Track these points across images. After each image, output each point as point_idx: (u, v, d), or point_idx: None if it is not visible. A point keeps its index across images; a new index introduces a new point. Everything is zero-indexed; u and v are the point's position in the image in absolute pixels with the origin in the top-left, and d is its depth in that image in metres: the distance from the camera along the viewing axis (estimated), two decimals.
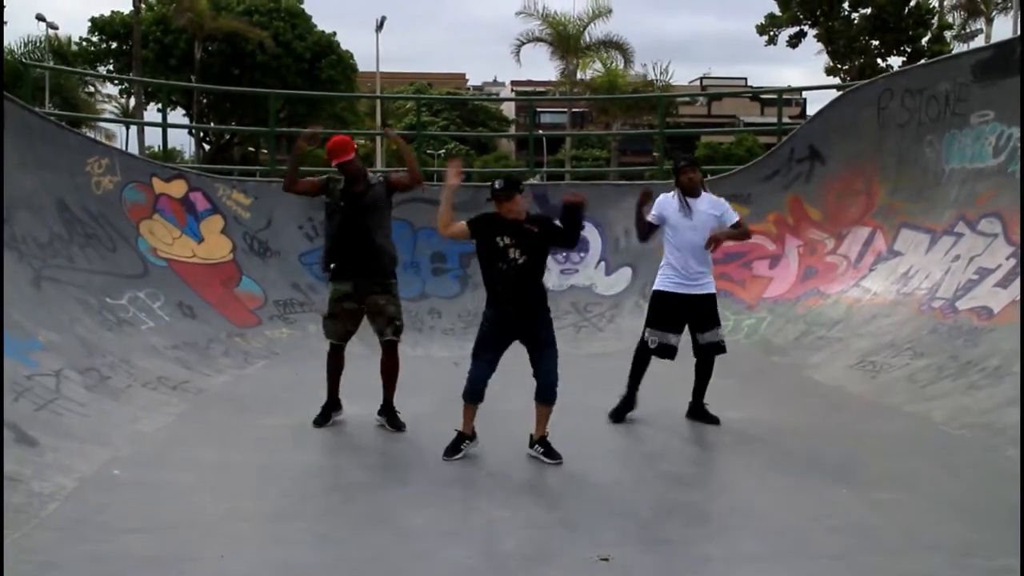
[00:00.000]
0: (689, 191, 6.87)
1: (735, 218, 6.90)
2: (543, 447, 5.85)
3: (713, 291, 6.90)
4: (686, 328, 6.91)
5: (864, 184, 10.81)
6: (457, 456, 5.83)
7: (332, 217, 6.77)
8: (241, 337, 9.68)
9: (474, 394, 5.86)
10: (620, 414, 6.95)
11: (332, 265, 6.76)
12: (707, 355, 6.90)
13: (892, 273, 9.67)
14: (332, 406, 6.88)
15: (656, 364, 6.97)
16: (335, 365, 6.87)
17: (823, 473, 5.64)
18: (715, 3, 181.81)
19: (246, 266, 10.74)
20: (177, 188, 10.78)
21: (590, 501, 5.14)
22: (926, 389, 7.39)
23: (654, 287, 7.05)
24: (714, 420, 6.83)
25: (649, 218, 6.99)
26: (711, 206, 6.86)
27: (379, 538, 4.46)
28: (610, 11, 34.94)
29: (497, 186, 5.73)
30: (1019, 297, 7.65)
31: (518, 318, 5.79)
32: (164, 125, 13.05)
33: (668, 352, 6.88)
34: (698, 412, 6.94)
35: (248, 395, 7.88)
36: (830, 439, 6.47)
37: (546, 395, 5.84)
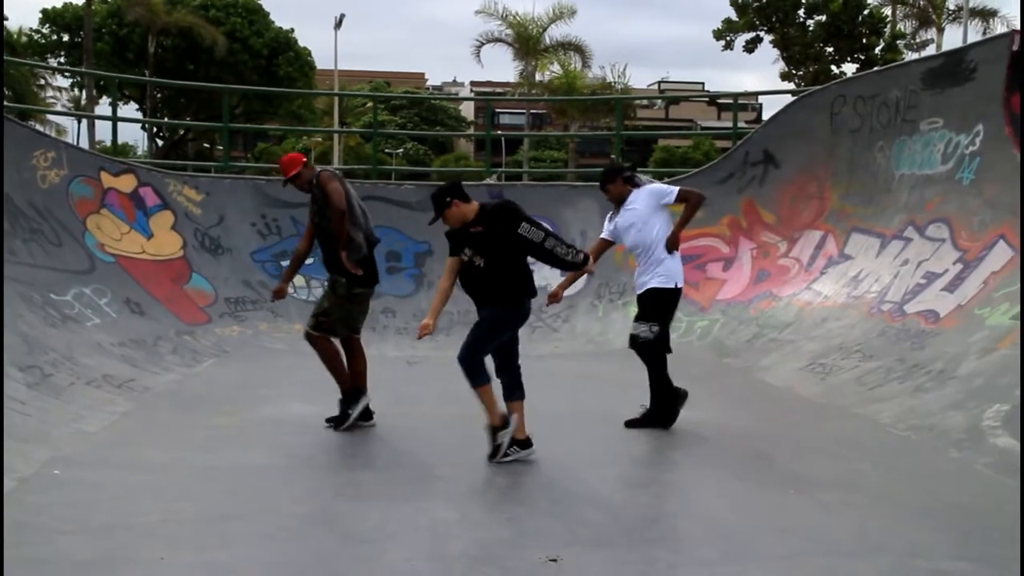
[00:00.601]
0: (615, 202, 6.89)
1: (674, 193, 6.76)
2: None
3: (653, 287, 6.72)
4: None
5: (817, 188, 10.94)
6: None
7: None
8: (190, 335, 9.52)
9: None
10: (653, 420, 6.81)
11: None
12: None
13: (843, 276, 9.79)
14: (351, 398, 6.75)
15: (604, 369, 6.92)
16: (339, 354, 6.82)
17: (773, 475, 5.67)
18: (673, 9, 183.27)
19: (197, 263, 10.58)
20: (126, 183, 10.58)
21: (538, 503, 5.11)
22: (874, 391, 7.48)
23: None
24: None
25: (604, 235, 7.06)
26: (647, 199, 6.75)
27: (323, 540, 4.38)
28: (574, 12, 35.13)
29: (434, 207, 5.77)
30: (963, 303, 7.79)
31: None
32: (114, 119, 12.81)
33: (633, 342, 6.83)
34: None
35: (196, 394, 7.74)
36: (780, 441, 6.51)
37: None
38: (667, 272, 6.71)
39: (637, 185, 6.82)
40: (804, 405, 7.64)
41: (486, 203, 5.82)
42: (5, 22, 37.78)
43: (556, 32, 35.76)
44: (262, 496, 5.14)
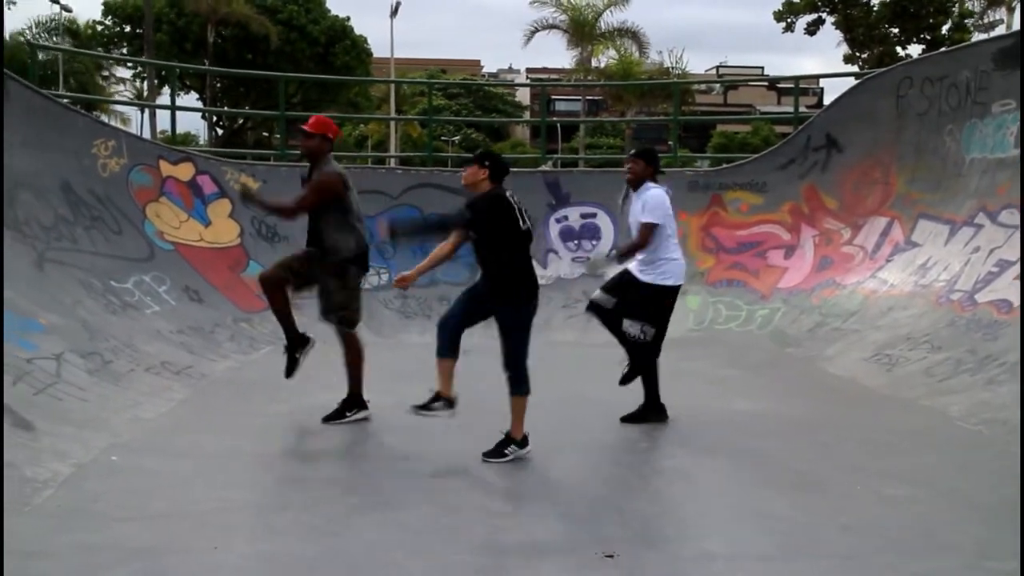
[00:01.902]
0: (634, 185, 6.60)
1: (640, 225, 6.43)
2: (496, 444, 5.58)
3: (652, 282, 6.43)
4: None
5: (882, 174, 10.62)
6: (423, 413, 5.60)
7: None
8: (247, 322, 9.59)
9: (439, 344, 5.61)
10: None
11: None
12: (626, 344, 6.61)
13: (910, 264, 9.48)
14: (294, 344, 6.72)
15: (660, 360, 6.75)
16: (272, 300, 6.64)
17: (834, 468, 5.49)
18: None
19: (253, 251, 10.64)
20: (184, 171, 10.68)
21: (590, 495, 5.01)
22: (944, 383, 7.23)
23: None
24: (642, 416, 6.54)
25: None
26: (640, 202, 6.49)
27: (374, 532, 4.34)
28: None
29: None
30: None
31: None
32: (173, 108, 12.95)
33: (593, 308, 6.63)
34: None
35: (252, 381, 7.78)
36: (843, 432, 6.32)
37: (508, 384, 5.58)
38: (670, 270, 6.47)
39: (654, 177, 6.54)
40: (869, 396, 7.41)
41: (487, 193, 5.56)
42: (70, 13, 38.62)
43: (612, 19, 35.40)
44: (314, 486, 5.12)
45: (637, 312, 6.44)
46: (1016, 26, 28.85)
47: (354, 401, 6.58)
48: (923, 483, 5.13)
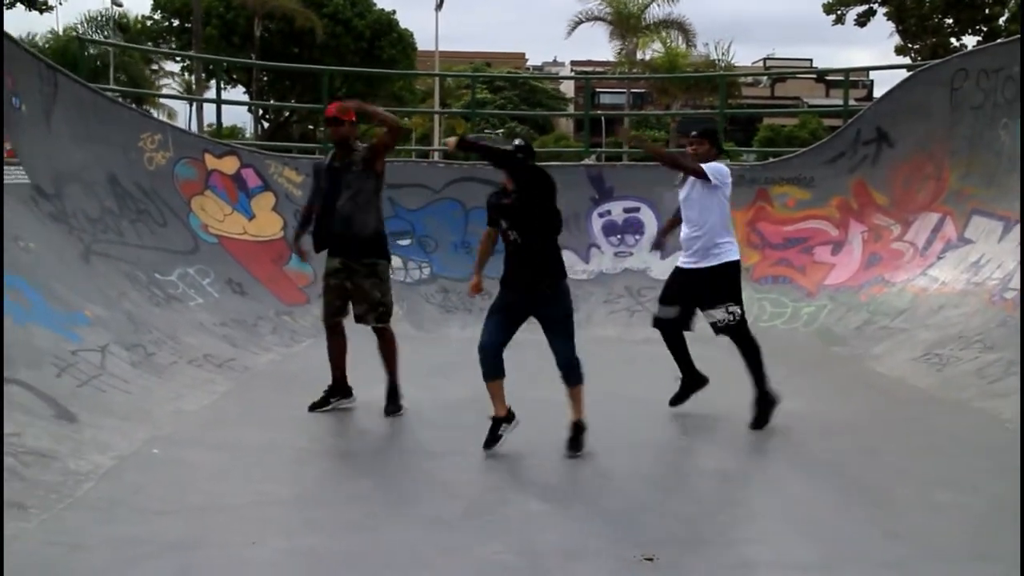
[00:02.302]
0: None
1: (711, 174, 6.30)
2: (571, 432, 5.57)
3: (711, 264, 6.31)
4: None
5: (934, 168, 10.35)
6: (497, 444, 5.61)
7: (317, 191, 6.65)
8: (289, 315, 9.64)
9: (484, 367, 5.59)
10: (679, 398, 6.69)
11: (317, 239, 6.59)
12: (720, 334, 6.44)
13: (962, 262, 9.24)
14: (335, 391, 6.69)
15: (703, 352, 6.70)
16: (332, 347, 6.67)
17: (880, 472, 5.36)
18: None
19: None
20: (229, 164, 10.77)
21: (630, 497, 4.94)
22: (995, 385, 7.03)
23: None
24: (761, 414, 6.33)
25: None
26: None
27: (410, 528, 4.32)
28: None
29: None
30: None
31: (527, 295, 5.53)
32: (219, 101, 13.07)
33: (659, 324, 6.60)
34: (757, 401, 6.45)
35: (293, 374, 7.81)
36: (890, 435, 6.17)
37: (566, 376, 5.58)
38: (728, 249, 6.35)
39: (716, 156, 6.42)
40: (918, 398, 7.23)
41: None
42: (120, 7, 39.20)
43: (658, 11, 35.06)
44: (350, 482, 5.13)
45: (711, 299, 6.33)
46: None
47: (393, 395, 6.57)
48: (971, 489, 4.98)
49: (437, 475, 5.22)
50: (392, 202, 10.93)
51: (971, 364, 7.57)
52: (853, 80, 38.43)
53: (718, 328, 6.35)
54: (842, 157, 11.33)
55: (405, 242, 11.10)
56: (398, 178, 10.37)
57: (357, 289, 6.46)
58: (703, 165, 6.29)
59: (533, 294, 5.50)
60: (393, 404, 6.56)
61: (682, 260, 6.52)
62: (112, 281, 7.94)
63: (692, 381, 6.67)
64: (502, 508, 4.65)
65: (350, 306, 6.56)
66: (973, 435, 6.11)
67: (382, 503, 4.70)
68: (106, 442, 5.32)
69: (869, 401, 7.20)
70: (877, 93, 40.27)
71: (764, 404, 6.33)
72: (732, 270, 6.39)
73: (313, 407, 6.57)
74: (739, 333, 6.35)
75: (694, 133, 6.55)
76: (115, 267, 8.20)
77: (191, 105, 41.11)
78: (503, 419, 5.60)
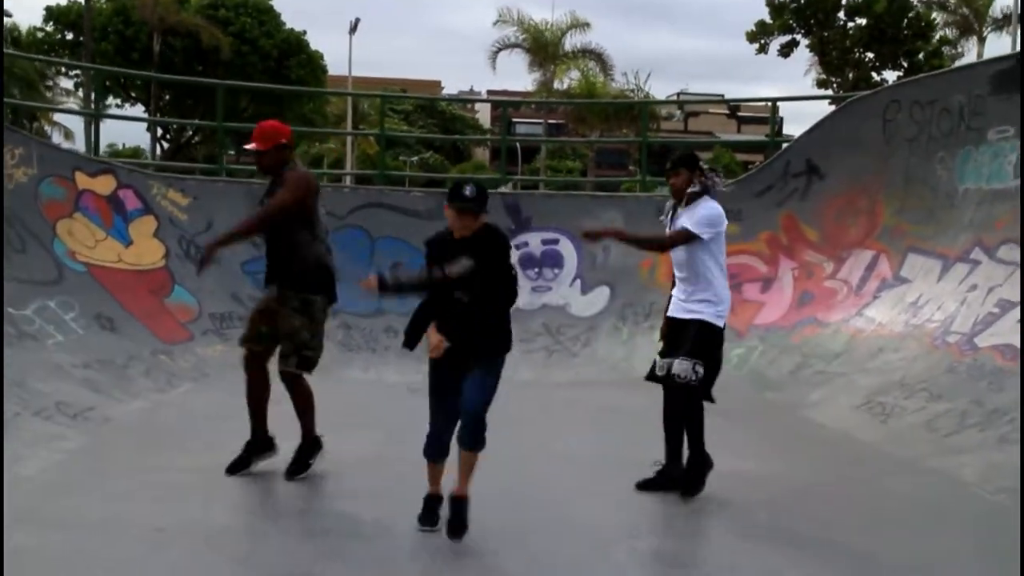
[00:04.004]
0: (675, 197, 5.70)
1: (680, 226, 5.52)
2: (453, 510, 4.64)
3: (689, 317, 5.53)
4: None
5: (868, 202, 9.88)
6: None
7: None
8: (167, 355, 8.54)
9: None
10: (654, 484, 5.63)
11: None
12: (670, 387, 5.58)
13: (899, 302, 8.72)
14: (256, 446, 5.67)
15: (630, 401, 5.89)
16: (253, 386, 5.61)
17: (836, 554, 4.63)
18: (694, 22, 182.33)
19: (180, 274, 9.57)
20: (104, 184, 9.60)
21: None
22: (950, 440, 6.43)
23: None
24: (695, 478, 5.53)
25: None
26: (688, 217, 5.53)
27: None
28: (587, 24, 34.38)
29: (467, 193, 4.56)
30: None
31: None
32: (97, 115, 11.87)
33: (653, 378, 5.69)
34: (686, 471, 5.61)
35: (162, 427, 6.77)
36: (842, 502, 5.47)
37: (465, 436, 4.64)
38: (720, 301, 5.59)
39: (707, 189, 5.58)
40: (866, 454, 6.57)
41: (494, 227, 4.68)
42: (10, 18, 37.14)
43: (575, 40, 34.93)
44: (217, 570, 4.14)
45: (689, 349, 5.44)
46: (996, 53, 28.72)
47: (312, 446, 5.64)
48: (945, 573, 4.29)
49: (332, 560, 4.25)
50: None
51: (918, 415, 6.99)
52: (762, 116, 38.75)
53: (676, 381, 5.49)
54: (771, 190, 10.81)
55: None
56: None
57: (284, 322, 5.47)
58: (693, 218, 5.48)
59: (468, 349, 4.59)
60: (298, 464, 5.58)
61: (679, 306, 5.66)
62: None
63: (673, 470, 5.61)
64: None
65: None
66: (936, 502, 5.45)
67: None
68: None
69: (813, 459, 6.51)
70: (787, 130, 40.74)
71: (699, 467, 5.55)
72: (720, 336, 5.61)
73: (232, 469, 5.54)
74: (686, 398, 5.52)
75: (668, 165, 5.69)
76: None
77: (90, 124, 39.13)
78: (439, 497, 4.72)
